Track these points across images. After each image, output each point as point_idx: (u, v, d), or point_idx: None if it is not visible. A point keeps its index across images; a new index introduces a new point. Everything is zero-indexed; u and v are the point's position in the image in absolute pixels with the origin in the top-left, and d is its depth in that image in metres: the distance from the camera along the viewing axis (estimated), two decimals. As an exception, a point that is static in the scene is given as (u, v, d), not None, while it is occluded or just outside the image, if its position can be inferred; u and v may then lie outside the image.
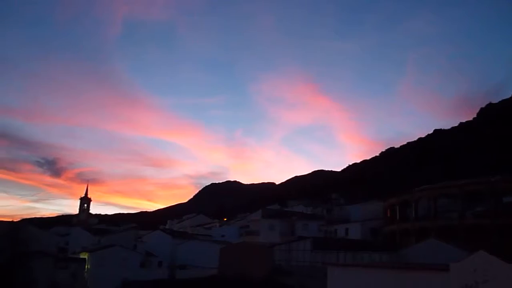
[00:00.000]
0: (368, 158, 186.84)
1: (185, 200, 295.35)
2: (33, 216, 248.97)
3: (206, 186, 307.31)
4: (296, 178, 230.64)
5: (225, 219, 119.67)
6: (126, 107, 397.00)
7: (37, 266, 57.17)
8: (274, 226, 75.60)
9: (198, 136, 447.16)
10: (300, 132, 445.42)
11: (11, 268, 56.05)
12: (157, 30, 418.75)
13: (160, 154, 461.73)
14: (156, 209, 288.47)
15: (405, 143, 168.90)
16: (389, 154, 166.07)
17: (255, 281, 38.11)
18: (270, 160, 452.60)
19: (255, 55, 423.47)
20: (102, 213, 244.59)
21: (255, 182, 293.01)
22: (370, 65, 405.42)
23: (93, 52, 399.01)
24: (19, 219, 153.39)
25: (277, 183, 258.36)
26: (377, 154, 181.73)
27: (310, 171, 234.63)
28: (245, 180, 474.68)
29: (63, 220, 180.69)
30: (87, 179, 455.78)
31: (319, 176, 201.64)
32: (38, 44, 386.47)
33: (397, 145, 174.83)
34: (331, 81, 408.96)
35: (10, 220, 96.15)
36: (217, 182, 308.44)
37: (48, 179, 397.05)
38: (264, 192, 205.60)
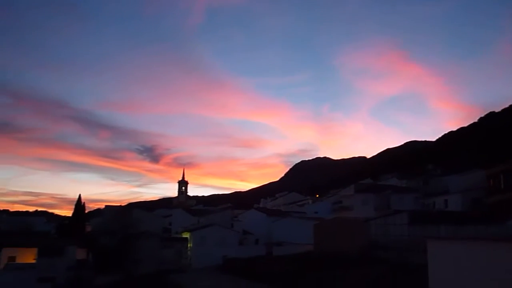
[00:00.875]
0: (465, 125, 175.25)
1: (277, 179, 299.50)
2: (138, 200, 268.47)
3: (296, 164, 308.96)
4: (388, 150, 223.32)
5: (317, 196, 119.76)
6: (214, 91, 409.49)
7: (145, 246, 61.79)
8: (367, 200, 74.27)
9: (285, 115, 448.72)
10: (389, 103, 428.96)
11: (123, 248, 61.18)
12: (237, 13, 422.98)
13: (250, 135, 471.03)
14: (249, 188, 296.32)
15: (507, 106, 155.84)
16: (489, 119, 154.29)
17: (351, 256, 37.97)
18: (360, 134, 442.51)
19: (336, 27, 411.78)
20: (199, 195, 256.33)
21: (345, 157, 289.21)
22: (461, 26, 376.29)
23: (179, 42, 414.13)
24: (126, 204, 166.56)
25: (368, 156, 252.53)
26: (476, 120, 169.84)
27: (402, 143, 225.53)
28: (335, 155, 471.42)
29: (164, 202, 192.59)
30: (183, 163, 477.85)
31: (412, 147, 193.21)
32: (129, 39, 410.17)
33: (498, 109, 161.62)
34: (420, 47, 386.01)
35: (119, 205, 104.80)
36: (306, 159, 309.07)
37: (148, 165, 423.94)
38: (355, 167, 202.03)
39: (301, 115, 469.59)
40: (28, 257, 63.62)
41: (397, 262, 34.79)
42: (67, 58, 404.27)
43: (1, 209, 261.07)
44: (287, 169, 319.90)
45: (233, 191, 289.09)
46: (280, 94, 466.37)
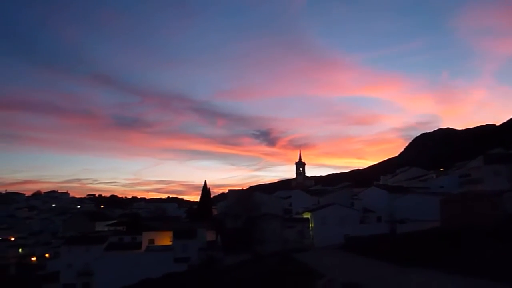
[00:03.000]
0: None
1: (396, 154, 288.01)
2: (258, 183, 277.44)
3: (416, 137, 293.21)
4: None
5: (441, 170, 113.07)
6: (325, 70, 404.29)
7: (267, 227, 64.03)
8: (499, 171, 68.33)
9: (400, 87, 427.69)
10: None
11: (248, 229, 64.06)
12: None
13: (364, 111, 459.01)
14: (367, 166, 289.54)
15: None
16: None
17: (483, 232, 35.41)
18: (485, 100, 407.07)
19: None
20: (317, 175, 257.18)
21: (470, 127, 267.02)
22: None
23: (285, 24, 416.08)
24: (247, 187, 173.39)
25: (497, 124, 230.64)
26: None
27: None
28: (458, 125, 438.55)
29: (283, 184, 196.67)
30: (299, 145, 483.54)
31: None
32: (237, 28, 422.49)
33: None
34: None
35: (241, 188, 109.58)
36: (427, 131, 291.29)
37: (265, 148, 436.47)
38: (482, 136, 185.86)
39: (417, 86, 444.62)
40: (165, 239, 69.82)
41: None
42: (183, 54, 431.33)
43: (139, 197, 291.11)
44: (406, 144, 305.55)
45: (351, 170, 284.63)
46: (392, 66, 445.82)
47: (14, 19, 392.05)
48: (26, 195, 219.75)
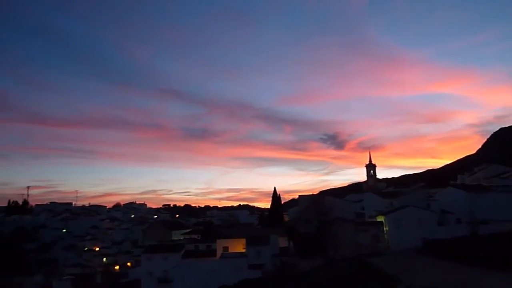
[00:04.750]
0: None
1: (473, 151, 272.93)
2: (328, 188, 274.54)
3: (494, 133, 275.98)
4: None
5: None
6: (390, 69, 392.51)
7: (340, 231, 63.13)
8: None
9: (473, 81, 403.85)
10: None
11: (320, 234, 63.58)
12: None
13: (434, 108, 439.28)
14: (442, 165, 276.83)
15: None
16: None
17: None
18: None
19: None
20: (389, 177, 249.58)
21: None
22: None
23: (346, 25, 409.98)
24: (317, 192, 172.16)
25: None
26: None
27: None
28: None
29: (354, 187, 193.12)
30: (368, 147, 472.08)
31: None
32: (297, 34, 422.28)
33: None
34: None
35: (310, 193, 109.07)
36: (506, 125, 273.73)
37: (333, 152, 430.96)
38: None
39: (492, 78, 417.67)
40: (238, 246, 70.99)
41: None
42: (246, 62, 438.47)
43: (212, 205, 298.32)
44: (483, 140, 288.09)
45: (425, 170, 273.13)
46: (463, 59, 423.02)
47: (88, 43, 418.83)
48: (107, 207, 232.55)
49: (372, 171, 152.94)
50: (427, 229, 60.75)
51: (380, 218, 69.27)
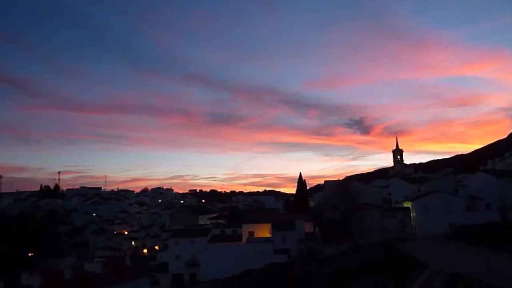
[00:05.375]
0: None
1: (504, 136, 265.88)
2: (354, 173, 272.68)
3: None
4: None
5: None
6: (416, 52, 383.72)
7: (367, 216, 63.01)
8: None
9: (503, 62, 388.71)
10: None
11: (346, 220, 63.54)
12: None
13: (464, 91, 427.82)
14: (472, 150, 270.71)
15: None
16: None
17: None
18: None
19: None
20: (416, 162, 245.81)
21: None
22: None
23: (373, 7, 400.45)
24: (343, 177, 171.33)
25: None
26: None
27: None
28: None
29: (381, 173, 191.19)
30: (395, 131, 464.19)
31: None
32: (323, 16, 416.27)
33: None
34: None
35: (336, 179, 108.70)
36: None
37: (359, 137, 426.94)
38: None
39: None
40: (264, 231, 71.58)
41: None
42: (271, 47, 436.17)
43: (237, 191, 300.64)
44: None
45: (453, 155, 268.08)
46: (494, 41, 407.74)
47: (118, 31, 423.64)
48: (136, 192, 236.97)
49: (399, 157, 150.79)
50: (455, 215, 59.91)
51: (408, 204, 68.65)
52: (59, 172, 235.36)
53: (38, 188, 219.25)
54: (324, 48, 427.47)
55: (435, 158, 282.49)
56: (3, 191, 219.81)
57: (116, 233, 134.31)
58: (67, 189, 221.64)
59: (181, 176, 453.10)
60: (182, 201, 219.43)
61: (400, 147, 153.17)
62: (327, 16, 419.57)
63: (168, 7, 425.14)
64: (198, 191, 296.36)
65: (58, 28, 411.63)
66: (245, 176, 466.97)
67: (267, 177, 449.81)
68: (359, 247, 50.92)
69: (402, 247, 39.12)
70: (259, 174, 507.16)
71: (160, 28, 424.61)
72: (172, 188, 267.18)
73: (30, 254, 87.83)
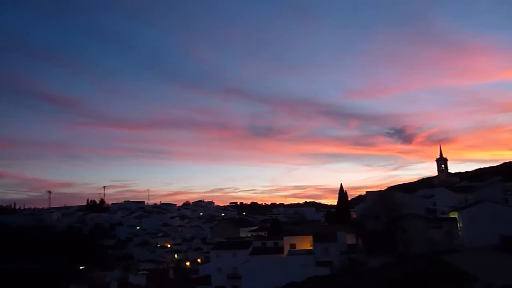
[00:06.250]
0: None
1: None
2: (396, 183, 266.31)
3: None
4: None
5: None
6: (460, 56, 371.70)
7: (410, 227, 61.32)
8: None
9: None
10: None
11: (390, 231, 62.12)
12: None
13: (510, 96, 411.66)
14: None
15: None
16: None
17: None
18: None
19: None
20: (462, 171, 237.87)
21: None
22: None
23: (412, 13, 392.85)
24: (385, 188, 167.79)
25: None
26: None
27: None
28: None
29: (424, 182, 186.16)
30: (438, 140, 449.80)
31: None
32: (360, 24, 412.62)
33: None
34: None
35: (378, 190, 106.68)
36: None
37: (401, 146, 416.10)
38: None
39: None
40: (305, 243, 71.01)
41: None
42: (308, 58, 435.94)
43: (278, 203, 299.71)
44: None
45: (501, 162, 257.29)
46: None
47: (156, 47, 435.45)
48: (177, 205, 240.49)
49: (443, 165, 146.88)
50: (505, 225, 57.25)
51: (454, 214, 66.54)
52: (104, 187, 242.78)
53: (84, 203, 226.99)
54: (363, 57, 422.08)
55: (482, 166, 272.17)
56: (52, 205, 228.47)
57: (159, 246, 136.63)
58: (112, 203, 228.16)
59: (221, 189, 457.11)
60: (223, 214, 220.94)
61: (444, 156, 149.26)
62: (365, 25, 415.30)
63: (206, 22, 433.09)
64: (238, 203, 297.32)
65: (98, 47, 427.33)
66: (285, 188, 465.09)
67: (308, 189, 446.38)
68: (404, 258, 49.68)
69: (450, 259, 37.94)
70: (299, 186, 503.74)
71: (200, 43, 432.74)
72: (213, 201, 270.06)
73: (81, 267, 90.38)
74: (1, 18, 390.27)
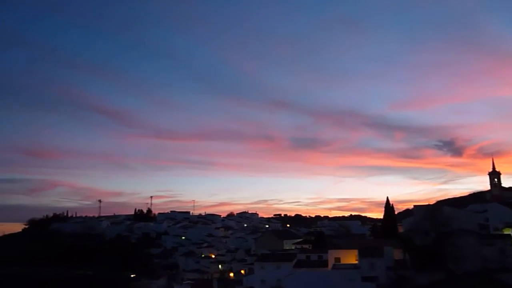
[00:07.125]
0: None
1: None
2: (446, 197, 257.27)
3: None
4: None
5: None
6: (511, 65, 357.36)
7: (461, 243, 59.07)
8: None
9: None
10: None
11: (439, 247, 60.09)
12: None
13: None
14: None
15: None
16: None
17: None
18: None
19: None
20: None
21: None
22: None
23: (462, 21, 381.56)
24: (433, 202, 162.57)
25: None
26: None
27: None
28: None
29: (476, 197, 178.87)
30: (491, 152, 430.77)
31: None
32: (408, 33, 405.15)
33: None
34: None
35: (426, 203, 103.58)
36: None
37: (450, 159, 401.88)
38: None
39: None
40: (350, 257, 69.78)
41: None
42: (353, 69, 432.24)
43: (322, 215, 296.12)
44: None
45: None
46: None
47: (203, 61, 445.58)
48: (222, 216, 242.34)
49: (496, 179, 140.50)
50: None
51: (508, 231, 63.71)
52: (151, 197, 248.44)
53: (132, 212, 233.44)
54: (410, 67, 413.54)
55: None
56: (102, 214, 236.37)
57: (204, 256, 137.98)
58: (159, 213, 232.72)
59: (265, 201, 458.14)
60: (267, 226, 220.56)
61: (497, 169, 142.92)
62: (413, 34, 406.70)
63: (253, 35, 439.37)
64: (282, 215, 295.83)
65: (148, 62, 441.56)
66: (330, 201, 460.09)
67: (353, 202, 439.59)
68: (454, 276, 47.97)
69: (504, 278, 36.26)
70: (344, 199, 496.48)
71: (246, 56, 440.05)
72: (257, 212, 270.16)
73: (132, 275, 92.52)
74: (58, 36, 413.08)
